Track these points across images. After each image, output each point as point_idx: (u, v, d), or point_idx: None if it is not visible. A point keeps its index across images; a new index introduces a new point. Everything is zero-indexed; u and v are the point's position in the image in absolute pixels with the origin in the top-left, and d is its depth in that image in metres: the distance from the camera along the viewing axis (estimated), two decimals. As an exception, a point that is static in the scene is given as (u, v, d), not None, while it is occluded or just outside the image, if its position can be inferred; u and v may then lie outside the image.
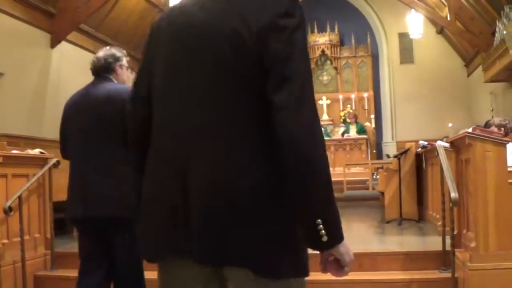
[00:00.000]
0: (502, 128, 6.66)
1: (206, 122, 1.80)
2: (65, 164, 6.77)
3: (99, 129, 3.88)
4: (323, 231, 1.71)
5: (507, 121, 7.10)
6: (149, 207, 1.94)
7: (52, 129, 10.24)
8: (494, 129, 6.50)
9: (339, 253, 1.78)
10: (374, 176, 13.08)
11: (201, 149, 1.80)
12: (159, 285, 2.02)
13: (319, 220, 1.71)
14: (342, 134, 16.17)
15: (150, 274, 5.18)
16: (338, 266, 1.81)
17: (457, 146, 5.38)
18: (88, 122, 3.92)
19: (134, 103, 2.07)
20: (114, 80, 4.04)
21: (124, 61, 4.10)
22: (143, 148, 2.00)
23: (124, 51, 4.17)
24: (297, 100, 1.72)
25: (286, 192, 1.76)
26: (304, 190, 1.72)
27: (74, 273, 5.91)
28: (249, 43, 1.74)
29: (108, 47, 4.15)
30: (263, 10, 1.77)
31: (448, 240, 5.12)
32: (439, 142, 5.83)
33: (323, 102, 17.72)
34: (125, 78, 4.11)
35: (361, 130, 16.05)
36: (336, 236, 1.75)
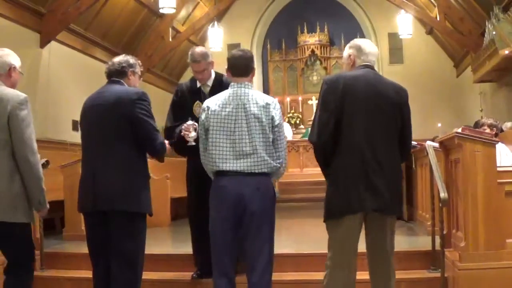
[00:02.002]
0: (495, 128, 6.68)
1: (383, 139, 3.90)
2: (54, 164, 6.76)
3: (107, 127, 4.15)
4: None
5: (498, 122, 7.14)
6: (343, 178, 3.84)
7: (41, 129, 10.20)
8: (487, 129, 6.53)
9: None
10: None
11: (378, 147, 3.86)
12: (335, 236, 3.92)
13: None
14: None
15: (151, 274, 5.22)
16: None
17: (446, 146, 5.39)
18: (97, 120, 4.20)
19: (328, 124, 3.86)
20: (125, 84, 4.32)
21: (138, 69, 4.43)
22: (329, 145, 3.88)
23: (139, 61, 4.52)
24: (410, 133, 4.13)
25: None
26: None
27: (63, 273, 5.93)
28: (399, 108, 4.00)
29: (124, 55, 4.46)
30: (401, 93, 4.09)
31: (437, 240, 5.14)
32: (428, 142, 5.84)
33: (312, 102, 17.69)
34: (136, 84, 4.43)
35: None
36: None
